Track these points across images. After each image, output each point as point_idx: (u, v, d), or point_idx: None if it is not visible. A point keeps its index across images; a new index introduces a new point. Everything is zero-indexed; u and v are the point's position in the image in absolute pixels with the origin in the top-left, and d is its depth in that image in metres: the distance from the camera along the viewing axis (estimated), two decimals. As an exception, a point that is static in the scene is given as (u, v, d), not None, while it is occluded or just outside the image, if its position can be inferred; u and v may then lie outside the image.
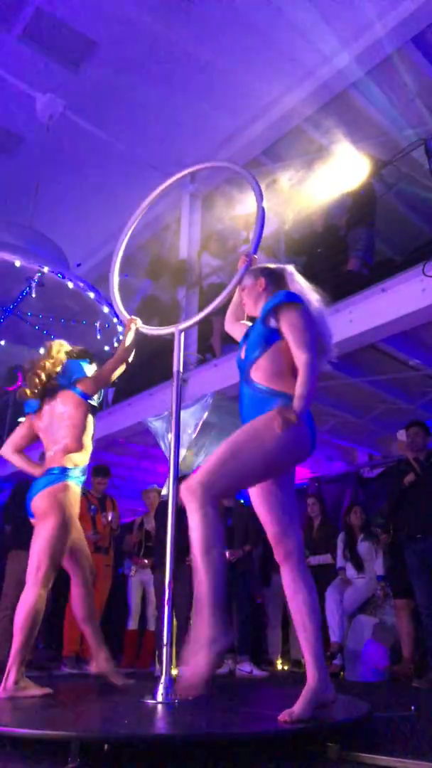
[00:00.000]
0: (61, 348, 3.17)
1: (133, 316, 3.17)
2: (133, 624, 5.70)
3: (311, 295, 2.38)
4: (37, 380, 3.01)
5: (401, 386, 5.73)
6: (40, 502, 2.80)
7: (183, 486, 1.98)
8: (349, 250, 5.48)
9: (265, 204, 2.98)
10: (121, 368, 3.13)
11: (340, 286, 5.04)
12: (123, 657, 5.64)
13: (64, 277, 4.89)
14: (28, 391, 3.04)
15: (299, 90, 6.03)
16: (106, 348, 5.90)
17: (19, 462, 3.10)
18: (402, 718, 2.57)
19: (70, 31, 5.76)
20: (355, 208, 5.57)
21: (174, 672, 2.64)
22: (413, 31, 5.41)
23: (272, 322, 2.24)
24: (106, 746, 1.63)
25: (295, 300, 2.25)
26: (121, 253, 3.37)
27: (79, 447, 2.94)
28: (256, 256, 2.74)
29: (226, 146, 6.81)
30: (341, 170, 5.76)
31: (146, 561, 5.70)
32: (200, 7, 5.42)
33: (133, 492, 7.43)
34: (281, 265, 2.54)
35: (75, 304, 5.44)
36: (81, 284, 5.07)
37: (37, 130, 6.23)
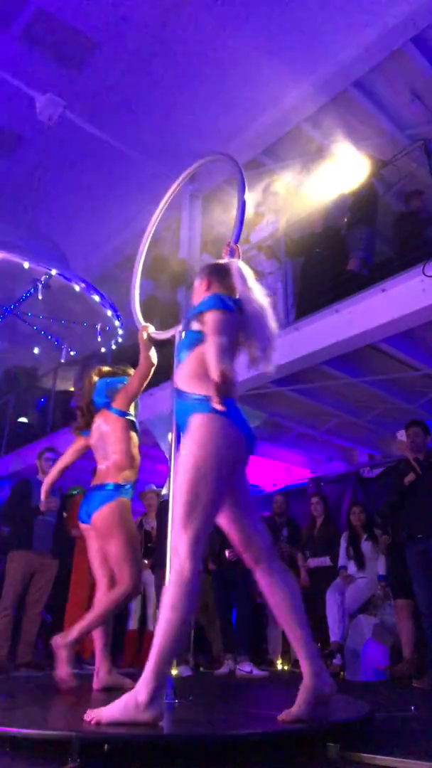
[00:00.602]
0: (93, 374, 3.41)
1: (146, 324, 3.23)
2: (133, 624, 5.70)
3: (253, 294, 2.25)
4: (81, 416, 3.36)
5: (401, 386, 5.73)
6: (101, 519, 3.02)
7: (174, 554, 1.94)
8: (349, 250, 5.48)
9: (246, 196, 2.97)
10: (146, 379, 3.24)
11: (340, 286, 5.05)
12: (123, 657, 5.64)
13: (70, 280, 4.89)
14: (78, 427, 3.42)
15: (299, 90, 6.03)
16: (103, 350, 5.90)
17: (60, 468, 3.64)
18: (402, 718, 2.57)
19: (70, 31, 5.76)
20: (356, 208, 5.57)
21: (174, 672, 2.65)
22: (413, 31, 5.41)
23: (196, 326, 2.20)
24: (106, 746, 1.63)
25: (215, 306, 2.14)
26: (142, 262, 3.46)
27: (128, 462, 3.15)
28: (237, 245, 2.71)
29: (226, 146, 6.80)
30: (341, 170, 5.76)
31: (145, 561, 5.69)
32: (200, 8, 5.43)
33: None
34: (229, 261, 2.45)
35: (75, 304, 5.45)
36: (83, 285, 5.07)
37: (37, 130, 6.23)
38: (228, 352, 2.06)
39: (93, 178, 7.00)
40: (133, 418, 3.26)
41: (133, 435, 3.23)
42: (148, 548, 5.72)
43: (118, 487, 3.08)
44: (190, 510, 1.91)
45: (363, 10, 5.32)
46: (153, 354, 3.18)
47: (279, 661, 5.61)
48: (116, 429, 3.18)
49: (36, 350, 6.19)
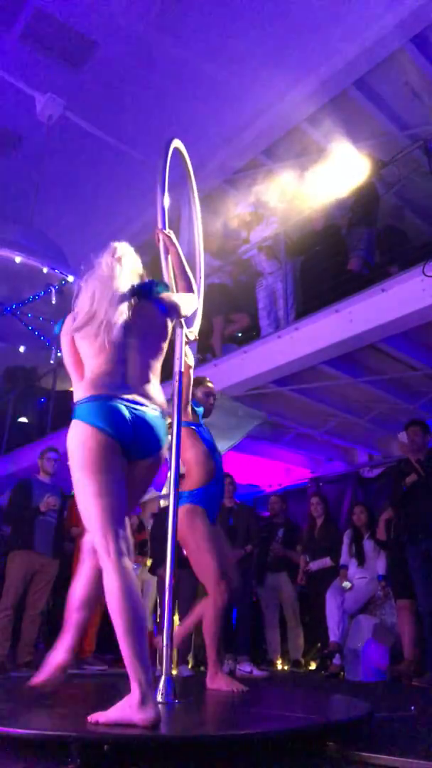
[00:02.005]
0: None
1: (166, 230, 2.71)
2: None
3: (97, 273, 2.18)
4: None
5: (401, 386, 5.73)
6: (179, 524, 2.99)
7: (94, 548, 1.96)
8: (350, 250, 5.49)
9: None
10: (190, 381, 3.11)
11: (340, 286, 5.05)
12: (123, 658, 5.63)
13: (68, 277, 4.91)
14: None
15: (299, 90, 6.03)
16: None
17: None
18: (402, 718, 2.57)
19: (70, 31, 5.76)
20: (356, 208, 5.57)
21: (174, 672, 2.65)
22: (413, 31, 5.41)
23: None
24: (106, 746, 1.63)
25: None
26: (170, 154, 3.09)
27: (190, 472, 3.12)
28: (167, 231, 2.64)
29: (226, 146, 6.81)
30: (341, 170, 5.76)
31: (142, 560, 5.70)
32: (200, 8, 5.43)
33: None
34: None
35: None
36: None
37: (37, 130, 6.23)
38: (71, 368, 2.17)
39: (93, 177, 7.00)
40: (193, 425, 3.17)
41: (193, 445, 3.15)
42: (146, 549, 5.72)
43: (182, 494, 3.05)
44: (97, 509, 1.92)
45: (363, 10, 5.32)
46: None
47: (279, 661, 5.62)
48: (184, 441, 3.10)
49: (22, 349, 6.22)
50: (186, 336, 2.90)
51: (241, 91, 5.99)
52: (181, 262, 2.58)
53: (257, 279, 6.03)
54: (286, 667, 5.55)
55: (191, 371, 3.16)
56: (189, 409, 3.14)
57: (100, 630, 5.25)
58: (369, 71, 5.82)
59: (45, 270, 4.74)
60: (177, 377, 2.87)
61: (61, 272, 4.87)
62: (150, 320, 2.19)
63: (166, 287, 2.37)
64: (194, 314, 2.94)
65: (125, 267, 2.25)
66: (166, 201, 2.71)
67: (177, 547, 2.63)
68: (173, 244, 2.61)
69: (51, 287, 5.22)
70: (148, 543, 5.79)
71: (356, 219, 5.56)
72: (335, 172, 5.82)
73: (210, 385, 3.43)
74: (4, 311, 5.74)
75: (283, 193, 6.52)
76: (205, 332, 6.32)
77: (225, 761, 1.72)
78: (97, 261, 2.25)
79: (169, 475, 2.79)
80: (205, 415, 3.33)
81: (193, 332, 3.01)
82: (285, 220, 6.07)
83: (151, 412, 2.07)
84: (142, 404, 2.05)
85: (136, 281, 2.26)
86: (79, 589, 2.26)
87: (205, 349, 6.30)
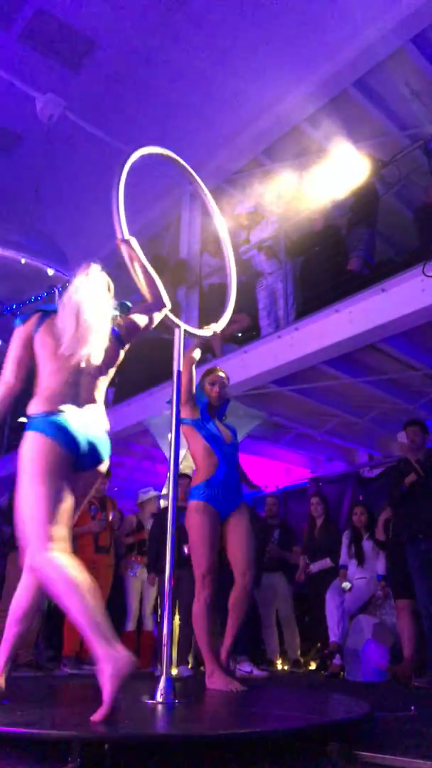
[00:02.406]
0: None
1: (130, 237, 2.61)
2: (131, 626, 5.69)
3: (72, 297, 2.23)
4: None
5: (401, 386, 5.73)
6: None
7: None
8: (350, 250, 5.49)
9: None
10: (190, 375, 3.11)
11: (340, 286, 5.05)
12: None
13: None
14: None
15: (299, 90, 6.03)
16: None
17: None
18: (402, 718, 2.57)
19: (70, 31, 5.76)
20: (356, 208, 5.57)
21: (174, 672, 2.65)
22: (413, 31, 5.41)
23: None
24: (106, 746, 1.63)
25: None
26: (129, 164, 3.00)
27: (198, 468, 3.12)
28: (130, 238, 2.58)
29: (226, 146, 6.81)
30: (341, 170, 5.76)
31: (143, 559, 5.70)
32: (200, 8, 5.43)
33: (133, 492, 7.43)
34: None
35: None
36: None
37: (37, 130, 6.24)
38: (10, 364, 2.30)
39: (93, 177, 6.99)
40: (188, 422, 3.15)
41: (194, 442, 3.17)
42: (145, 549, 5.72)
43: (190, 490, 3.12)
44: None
45: (363, 10, 5.32)
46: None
47: (278, 661, 5.61)
48: (188, 439, 3.17)
49: None
50: (195, 333, 3.04)
51: (240, 91, 6.00)
52: (145, 269, 2.54)
53: (257, 279, 6.03)
54: (286, 667, 5.55)
55: (193, 368, 3.14)
56: (190, 405, 3.12)
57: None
58: (369, 71, 5.82)
59: (51, 272, 4.76)
60: (176, 377, 2.87)
61: (65, 274, 4.88)
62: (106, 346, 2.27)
63: (128, 309, 2.44)
64: (225, 308, 3.16)
65: (102, 289, 2.34)
66: (122, 209, 2.66)
67: (177, 548, 2.63)
68: (134, 251, 2.56)
69: (54, 289, 5.22)
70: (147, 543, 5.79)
71: (356, 219, 5.56)
72: (335, 172, 5.82)
73: (219, 374, 3.34)
74: (3, 311, 5.74)
75: (282, 194, 6.52)
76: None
77: (225, 761, 1.72)
78: (75, 281, 2.29)
79: (168, 475, 2.79)
80: (214, 404, 3.26)
81: (218, 326, 3.12)
82: (285, 220, 6.07)
83: (95, 430, 2.20)
84: (89, 423, 2.18)
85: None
86: (20, 601, 2.37)
87: (205, 349, 6.29)
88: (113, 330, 2.31)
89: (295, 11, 5.35)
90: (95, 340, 2.18)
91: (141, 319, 2.43)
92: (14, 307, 5.71)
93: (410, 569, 4.20)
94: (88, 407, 2.20)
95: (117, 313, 2.36)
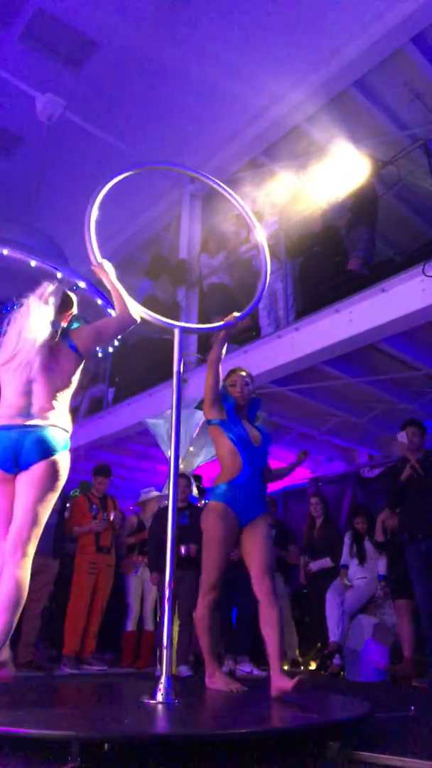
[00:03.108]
0: None
1: (102, 260, 2.81)
2: (131, 625, 5.69)
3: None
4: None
5: (401, 386, 5.73)
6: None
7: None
8: (349, 250, 5.48)
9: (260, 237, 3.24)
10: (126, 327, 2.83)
11: (340, 286, 5.05)
12: (123, 658, 5.63)
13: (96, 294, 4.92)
14: None
15: (299, 90, 6.03)
16: (100, 354, 5.89)
17: None
18: (402, 718, 2.57)
19: (70, 31, 5.76)
20: (357, 208, 5.57)
21: (174, 672, 2.65)
22: (413, 31, 5.41)
23: None
24: (106, 746, 1.63)
25: None
26: (102, 194, 3.27)
27: (222, 469, 3.03)
28: (103, 261, 2.81)
29: (226, 146, 6.81)
30: (341, 170, 5.76)
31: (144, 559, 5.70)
32: (200, 8, 5.43)
33: (133, 492, 7.44)
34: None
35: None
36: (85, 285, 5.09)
37: (37, 130, 6.24)
38: None
39: (93, 178, 6.97)
40: (215, 423, 3.05)
41: (221, 442, 3.04)
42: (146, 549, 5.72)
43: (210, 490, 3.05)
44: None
45: (363, 10, 5.32)
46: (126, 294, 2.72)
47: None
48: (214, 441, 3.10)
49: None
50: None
51: (240, 91, 5.99)
52: (115, 288, 2.72)
53: (257, 279, 6.02)
54: (285, 667, 5.53)
55: (219, 368, 3.04)
56: (217, 405, 3.00)
57: (100, 630, 5.25)
58: (369, 71, 5.82)
59: (59, 275, 4.75)
60: (176, 377, 2.87)
61: (73, 277, 4.88)
62: (59, 358, 2.52)
63: (82, 323, 2.71)
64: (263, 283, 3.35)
65: (51, 308, 2.55)
66: (93, 237, 2.90)
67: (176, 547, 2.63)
68: (105, 273, 2.76)
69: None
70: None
71: (356, 219, 5.55)
72: (335, 172, 5.82)
73: (240, 373, 3.19)
74: (3, 310, 5.72)
75: (282, 194, 6.52)
76: (205, 332, 6.35)
77: (225, 761, 1.72)
78: (27, 300, 2.56)
79: (168, 475, 2.79)
80: (240, 403, 3.10)
81: (239, 314, 3.20)
82: (285, 220, 6.07)
83: (41, 432, 2.37)
84: (35, 426, 2.38)
85: (60, 318, 2.61)
86: None
87: (205, 349, 6.30)
88: (70, 344, 2.55)
89: (295, 11, 5.35)
90: (34, 353, 2.42)
91: (98, 331, 2.65)
92: (14, 307, 5.69)
93: (410, 569, 4.20)
94: (40, 414, 2.41)
95: (72, 326, 2.64)
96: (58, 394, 2.47)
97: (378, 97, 6.14)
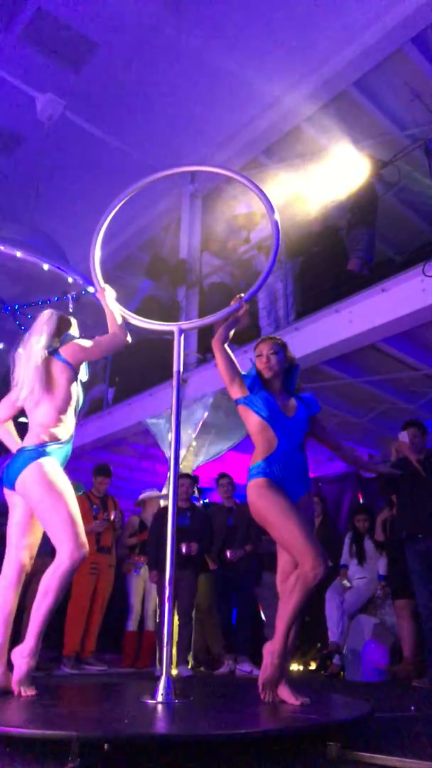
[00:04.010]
0: None
1: (105, 285, 3.11)
2: (132, 625, 5.69)
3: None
4: None
5: (401, 386, 5.73)
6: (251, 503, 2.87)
7: None
8: (349, 250, 5.48)
9: (277, 216, 3.19)
10: (116, 348, 3.03)
11: (340, 286, 5.05)
12: (123, 657, 5.63)
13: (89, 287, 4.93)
14: None
15: (299, 90, 6.03)
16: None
17: None
18: (402, 718, 2.57)
19: (70, 31, 5.76)
20: (357, 208, 5.57)
21: (174, 672, 2.65)
22: (413, 31, 5.41)
23: None
24: (106, 746, 1.63)
25: None
26: (106, 224, 3.50)
27: (256, 446, 2.75)
28: (105, 287, 3.08)
29: (226, 146, 6.81)
30: (341, 170, 5.76)
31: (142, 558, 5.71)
32: (200, 8, 5.43)
33: (133, 492, 7.44)
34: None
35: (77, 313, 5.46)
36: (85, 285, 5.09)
37: (37, 130, 6.23)
38: None
39: (93, 178, 6.99)
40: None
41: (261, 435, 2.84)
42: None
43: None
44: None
45: (363, 10, 5.32)
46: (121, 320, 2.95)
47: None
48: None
49: (0, 345, 6.26)
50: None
51: (240, 92, 5.99)
52: (110, 310, 2.98)
53: (257, 279, 6.02)
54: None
55: (223, 347, 2.96)
56: (236, 383, 2.82)
57: (100, 630, 5.25)
58: (369, 71, 5.82)
59: (70, 279, 4.79)
60: (176, 377, 2.87)
61: (84, 282, 4.89)
62: (53, 371, 2.75)
63: (71, 339, 2.88)
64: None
65: (44, 336, 2.78)
66: (98, 265, 3.23)
67: (176, 547, 2.63)
68: (104, 298, 3.04)
69: (68, 296, 5.22)
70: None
71: (356, 219, 5.55)
72: (335, 172, 5.82)
73: (264, 343, 2.97)
74: (3, 309, 5.72)
75: (282, 194, 6.52)
76: (204, 332, 6.35)
77: (225, 761, 1.72)
78: (26, 337, 2.83)
79: (168, 475, 2.79)
80: (266, 376, 2.85)
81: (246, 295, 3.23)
82: (285, 220, 6.06)
83: (24, 451, 2.66)
84: (22, 449, 2.69)
85: (55, 341, 2.83)
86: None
87: (205, 349, 6.30)
88: (58, 356, 2.77)
89: (296, 11, 5.35)
90: (34, 380, 2.70)
91: (86, 346, 2.84)
92: (16, 307, 5.69)
93: (410, 569, 4.20)
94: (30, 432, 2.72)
95: (66, 339, 2.85)
96: (54, 408, 2.72)
97: (378, 97, 6.13)
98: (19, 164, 7.07)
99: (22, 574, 2.66)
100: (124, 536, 5.82)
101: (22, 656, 2.43)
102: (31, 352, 2.77)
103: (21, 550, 2.63)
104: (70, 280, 4.80)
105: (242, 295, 3.16)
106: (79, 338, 2.90)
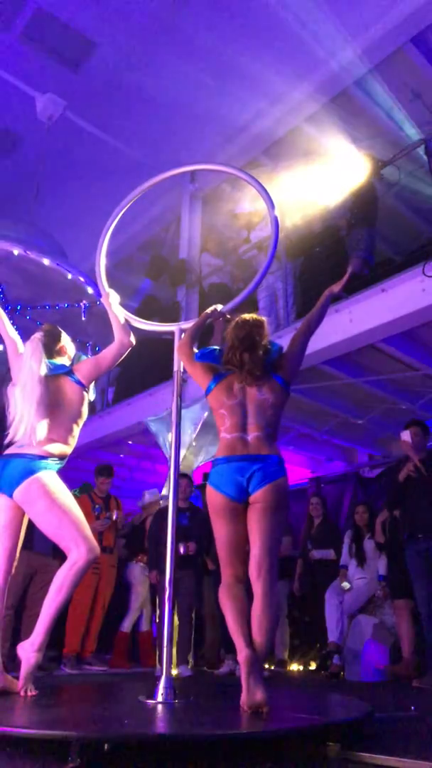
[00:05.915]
0: None
1: (109, 290, 3.08)
2: (126, 627, 5.66)
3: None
4: None
5: (401, 386, 5.73)
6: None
7: None
8: (349, 251, 5.48)
9: (277, 212, 3.20)
10: (122, 356, 2.95)
11: (340, 286, 5.04)
12: (112, 658, 5.56)
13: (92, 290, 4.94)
14: None
15: (299, 90, 6.03)
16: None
17: None
18: (402, 718, 2.57)
19: (70, 31, 5.77)
20: (357, 209, 5.56)
21: (174, 672, 2.65)
22: (413, 31, 5.41)
23: None
24: (106, 746, 1.63)
25: None
26: (111, 230, 3.49)
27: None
28: (110, 292, 3.05)
29: (226, 146, 6.81)
30: (341, 170, 5.76)
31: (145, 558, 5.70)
32: (199, 8, 5.43)
33: (133, 492, 7.44)
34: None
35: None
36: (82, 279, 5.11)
37: (37, 130, 6.24)
38: None
39: (93, 178, 7.00)
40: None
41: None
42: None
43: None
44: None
45: (363, 10, 5.32)
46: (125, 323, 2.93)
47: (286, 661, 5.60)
48: None
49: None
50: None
51: (240, 92, 5.99)
52: (115, 316, 2.96)
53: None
54: (272, 667, 5.53)
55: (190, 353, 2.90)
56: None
57: (100, 630, 5.25)
58: (369, 71, 5.82)
59: (90, 290, 4.82)
60: (176, 377, 2.87)
61: (86, 281, 4.91)
62: (60, 391, 2.75)
63: (79, 358, 2.96)
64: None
65: (42, 359, 2.76)
66: (103, 271, 3.24)
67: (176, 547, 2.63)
68: (108, 303, 3.03)
69: (79, 304, 5.23)
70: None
71: (356, 219, 5.55)
72: (335, 172, 5.81)
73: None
74: (4, 307, 5.71)
75: (282, 194, 6.52)
76: (205, 332, 6.34)
77: (225, 761, 1.72)
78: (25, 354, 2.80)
79: (168, 474, 2.79)
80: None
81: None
82: (285, 220, 6.06)
83: (22, 459, 2.60)
84: (18, 455, 2.61)
85: (53, 354, 2.86)
86: None
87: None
88: (73, 378, 2.78)
89: (296, 11, 5.35)
90: (36, 385, 2.68)
91: (97, 363, 2.86)
92: (18, 307, 5.69)
93: (409, 569, 4.20)
94: (30, 443, 2.65)
95: (74, 360, 2.93)
96: (65, 427, 2.73)
97: (378, 97, 6.13)
98: (19, 164, 7.07)
99: (8, 577, 2.74)
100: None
101: (32, 649, 2.47)
102: (29, 382, 2.69)
103: (5, 553, 2.71)
104: (89, 290, 4.83)
105: (218, 307, 3.17)
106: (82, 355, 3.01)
